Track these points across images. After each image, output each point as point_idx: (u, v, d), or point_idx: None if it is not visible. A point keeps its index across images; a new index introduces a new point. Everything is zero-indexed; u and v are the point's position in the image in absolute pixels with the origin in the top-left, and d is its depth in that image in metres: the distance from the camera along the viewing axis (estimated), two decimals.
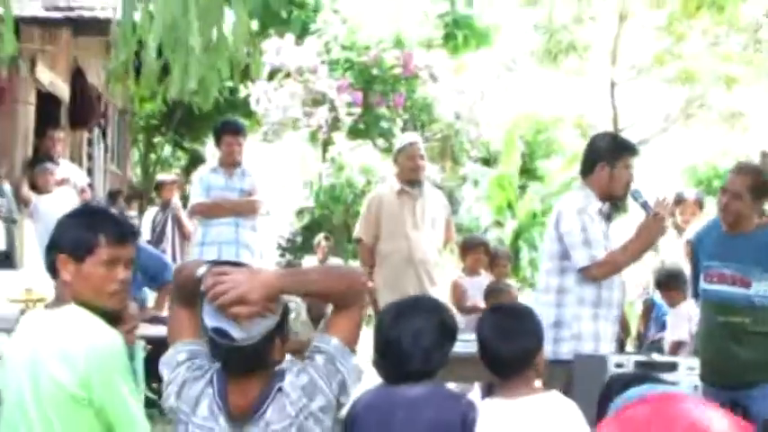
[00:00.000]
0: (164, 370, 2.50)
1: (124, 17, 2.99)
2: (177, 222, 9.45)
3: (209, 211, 6.98)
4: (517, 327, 3.02)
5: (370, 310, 5.99)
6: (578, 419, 2.86)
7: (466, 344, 3.52)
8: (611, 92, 20.34)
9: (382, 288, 6.11)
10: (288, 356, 2.52)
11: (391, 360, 2.81)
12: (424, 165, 6.48)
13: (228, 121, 7.37)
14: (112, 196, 10.69)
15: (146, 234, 9.51)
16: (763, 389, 4.55)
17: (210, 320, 2.32)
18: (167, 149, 22.88)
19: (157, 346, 4.14)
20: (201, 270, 2.37)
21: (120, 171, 15.82)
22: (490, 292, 6.65)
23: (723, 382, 4.53)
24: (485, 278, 7.20)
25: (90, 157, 13.08)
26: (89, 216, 2.83)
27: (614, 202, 4.70)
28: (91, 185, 11.52)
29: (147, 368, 3.12)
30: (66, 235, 2.70)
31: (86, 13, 9.41)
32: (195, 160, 17.82)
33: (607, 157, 4.50)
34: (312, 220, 12.13)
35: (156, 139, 21.70)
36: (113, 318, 2.71)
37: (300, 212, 12.32)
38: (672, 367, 4.50)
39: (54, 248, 2.69)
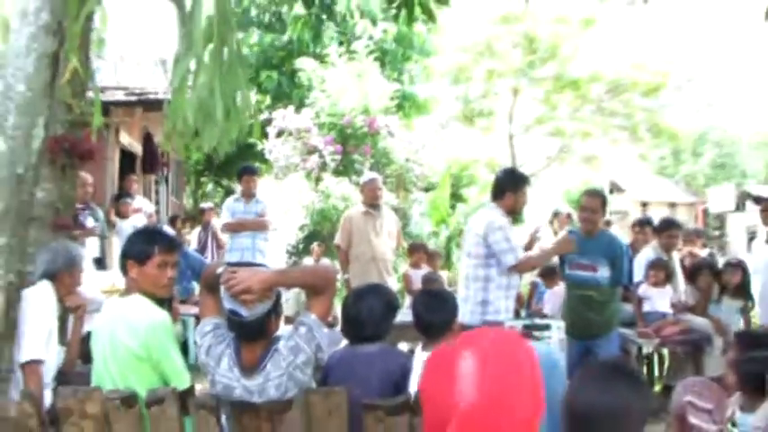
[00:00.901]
0: (196, 337, 2.49)
1: (172, 98, 3.01)
2: (214, 236, 9.40)
3: (234, 228, 6.93)
4: (439, 304, 3.04)
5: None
6: None
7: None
8: (510, 142, 20.50)
9: (354, 278, 6.09)
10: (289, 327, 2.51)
11: (352, 327, 2.82)
12: (382, 194, 6.46)
13: (246, 166, 7.34)
14: (173, 220, 10.56)
15: (193, 245, 9.46)
16: (606, 339, 4.64)
17: (227, 303, 2.33)
18: (210, 186, 22.75)
19: None
20: (220, 269, 2.38)
21: (178, 202, 15.69)
22: (427, 280, 6.64)
23: (580, 336, 4.60)
24: (424, 270, 7.18)
25: (157, 193, 12.99)
26: (147, 234, 2.88)
27: (514, 216, 4.70)
28: (158, 212, 11.43)
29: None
30: (132, 247, 2.73)
31: (152, 96, 9.35)
32: (230, 193, 17.70)
33: (511, 186, 4.42)
34: (309, 232, 12.01)
35: (202, 179, 21.58)
36: (164, 302, 2.71)
37: (301, 227, 12.19)
38: (547, 327, 4.54)
39: (125, 256, 2.73)
